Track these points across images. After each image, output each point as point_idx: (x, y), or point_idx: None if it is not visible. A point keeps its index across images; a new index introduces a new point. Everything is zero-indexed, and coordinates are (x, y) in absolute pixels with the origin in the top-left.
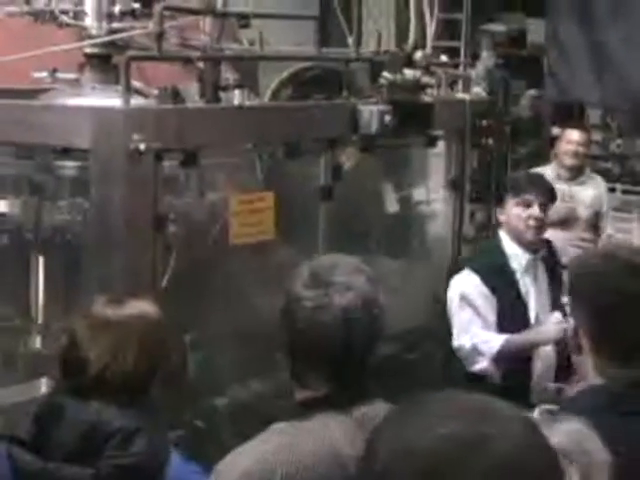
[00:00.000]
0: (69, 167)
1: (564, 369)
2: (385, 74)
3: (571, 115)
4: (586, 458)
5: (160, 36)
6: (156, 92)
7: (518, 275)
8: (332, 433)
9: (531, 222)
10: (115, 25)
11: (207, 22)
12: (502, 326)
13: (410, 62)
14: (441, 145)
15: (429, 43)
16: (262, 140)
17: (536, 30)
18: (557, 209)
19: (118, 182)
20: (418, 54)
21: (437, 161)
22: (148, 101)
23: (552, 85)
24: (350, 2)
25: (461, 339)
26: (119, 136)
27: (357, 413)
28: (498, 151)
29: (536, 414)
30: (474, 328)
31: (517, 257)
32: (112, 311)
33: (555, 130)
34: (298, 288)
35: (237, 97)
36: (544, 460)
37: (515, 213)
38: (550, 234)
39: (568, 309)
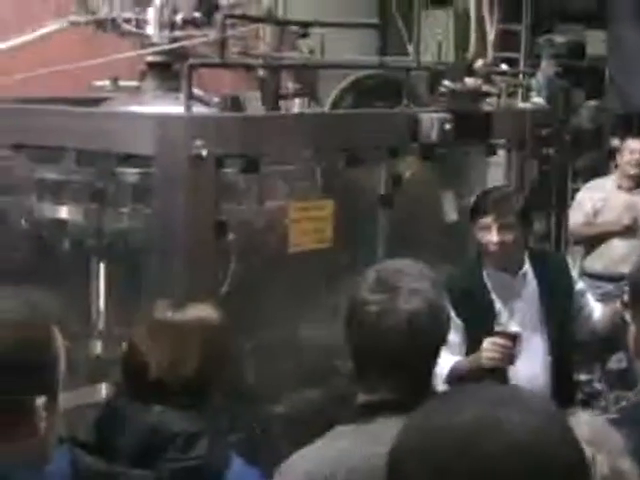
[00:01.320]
0: (130, 174)
1: (563, 391)
2: (446, 82)
3: (631, 126)
4: (612, 446)
5: (222, 43)
6: (217, 100)
7: (494, 295)
8: (394, 438)
9: (491, 247)
10: (176, 34)
11: (267, 31)
12: (474, 348)
13: (470, 71)
14: (501, 154)
15: (490, 52)
16: (322, 148)
17: (594, 42)
18: (620, 219)
19: (180, 188)
20: (479, 63)
21: (497, 170)
22: (209, 109)
23: (614, 95)
24: (410, 10)
25: None
26: (181, 143)
27: None
28: (558, 161)
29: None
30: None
31: (493, 277)
32: (172, 315)
33: (615, 142)
34: (364, 292)
35: (297, 105)
36: (566, 452)
37: (478, 236)
38: (615, 245)
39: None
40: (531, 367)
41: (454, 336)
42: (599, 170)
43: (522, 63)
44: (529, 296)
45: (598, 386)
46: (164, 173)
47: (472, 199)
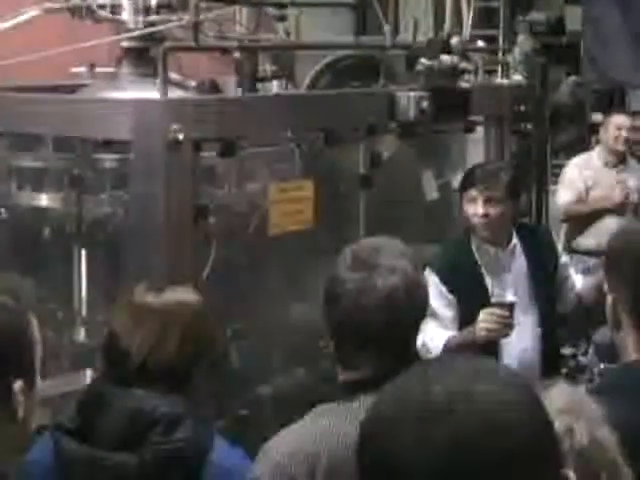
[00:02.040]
0: (109, 160)
1: (551, 364)
2: (422, 60)
3: (612, 102)
4: (591, 415)
5: (196, 26)
6: (194, 84)
7: (483, 269)
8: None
9: (476, 220)
10: (152, 18)
11: (243, 14)
12: (467, 324)
13: (447, 49)
14: (480, 131)
15: (466, 29)
16: (300, 129)
17: (574, 18)
18: (612, 197)
19: (157, 173)
20: (455, 40)
21: (476, 147)
22: (186, 93)
23: (590, 69)
24: None
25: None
26: (158, 127)
27: None
28: (537, 136)
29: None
30: (426, 326)
31: (482, 251)
32: (152, 299)
33: (596, 116)
34: (342, 271)
35: (275, 87)
36: (535, 426)
37: (465, 209)
38: (607, 222)
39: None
40: (521, 340)
41: (446, 311)
42: (580, 145)
43: (501, 40)
44: (518, 270)
45: (583, 360)
46: (141, 158)
47: (455, 176)
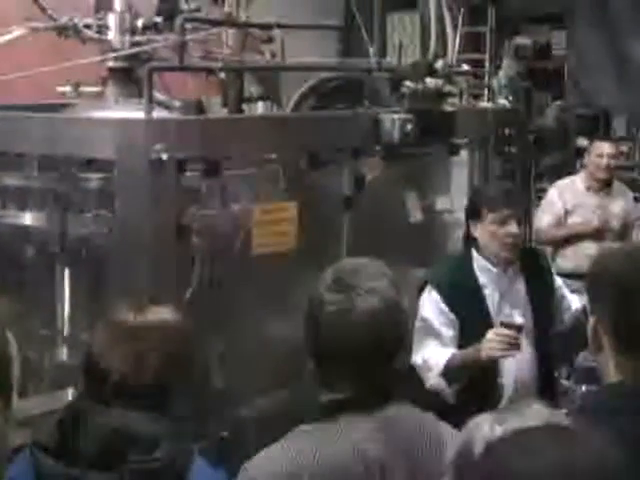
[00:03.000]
0: (93, 179)
1: (547, 387)
2: (407, 83)
3: (597, 126)
4: None
5: (182, 47)
6: (179, 104)
7: (487, 291)
8: (357, 435)
9: (508, 240)
10: (138, 38)
11: (230, 35)
12: (467, 343)
13: (432, 72)
14: (464, 154)
15: (451, 52)
16: (285, 150)
17: (560, 43)
18: (590, 221)
19: (141, 193)
20: (439, 63)
21: (460, 170)
22: (170, 112)
23: (574, 93)
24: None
25: (414, 356)
26: (142, 147)
27: (382, 415)
28: (521, 160)
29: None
30: (427, 344)
31: (486, 272)
32: (133, 318)
33: (581, 141)
34: (322, 292)
35: (260, 108)
36: None
37: (491, 230)
38: (585, 246)
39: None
40: (518, 361)
41: (446, 329)
42: (565, 170)
43: (487, 64)
44: (517, 291)
45: (565, 383)
46: (125, 177)
47: (440, 198)
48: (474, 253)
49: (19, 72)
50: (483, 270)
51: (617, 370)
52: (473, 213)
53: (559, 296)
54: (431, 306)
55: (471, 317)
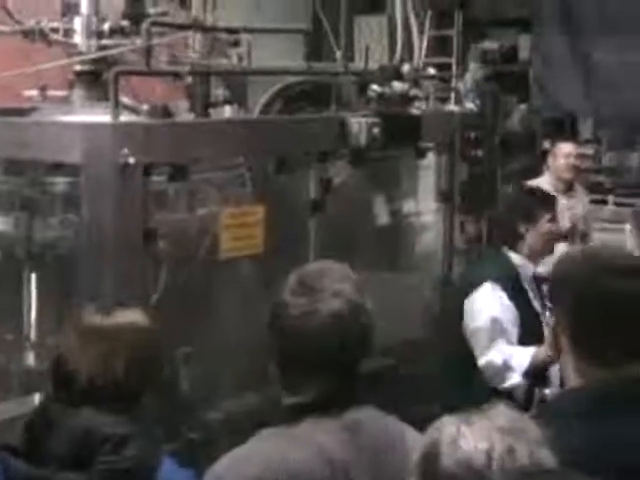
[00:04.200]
0: (60, 183)
1: None
2: (373, 87)
3: (563, 129)
4: (531, 436)
5: (148, 51)
6: (146, 108)
7: (526, 285)
8: (321, 438)
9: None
10: (104, 42)
11: (197, 39)
12: (522, 339)
13: (399, 76)
14: (431, 157)
15: (417, 56)
16: (252, 154)
17: (527, 46)
18: (561, 224)
19: (108, 196)
20: (406, 67)
21: (427, 173)
22: (137, 117)
23: (539, 96)
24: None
25: (489, 355)
26: (108, 151)
27: (346, 418)
28: (488, 163)
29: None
30: (501, 344)
31: (525, 268)
32: (100, 321)
33: (547, 144)
34: (286, 295)
35: (227, 112)
36: None
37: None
38: (558, 249)
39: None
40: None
41: (514, 328)
42: (531, 173)
43: (454, 67)
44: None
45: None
46: (92, 181)
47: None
48: (509, 252)
49: None
50: (522, 268)
51: (577, 374)
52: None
53: None
54: (498, 304)
55: (525, 314)
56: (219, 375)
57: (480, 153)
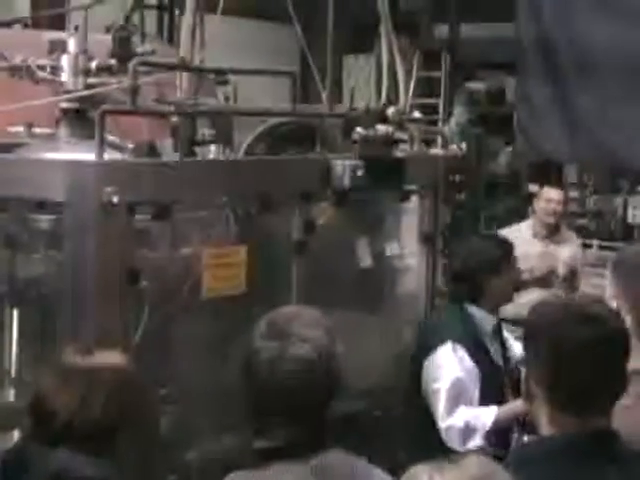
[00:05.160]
0: (43, 220)
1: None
2: (358, 129)
3: (548, 172)
4: None
5: (134, 90)
6: (131, 147)
7: (487, 341)
8: None
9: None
10: (91, 80)
11: (184, 78)
12: (483, 396)
13: (384, 119)
14: (415, 200)
15: (403, 98)
16: (235, 194)
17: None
18: (536, 268)
19: (90, 235)
20: (391, 110)
21: (411, 216)
22: (122, 155)
23: (523, 141)
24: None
25: (449, 420)
26: (91, 189)
27: (314, 462)
28: (471, 207)
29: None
30: (462, 407)
31: (485, 322)
32: (80, 361)
33: (533, 187)
34: (256, 340)
35: (213, 152)
36: None
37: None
38: (527, 294)
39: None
40: None
41: (475, 389)
42: (517, 215)
43: (441, 110)
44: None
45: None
46: (75, 219)
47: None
48: (469, 307)
49: None
50: (482, 322)
51: (550, 422)
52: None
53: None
54: (459, 365)
55: (486, 370)
56: (198, 417)
57: (463, 197)
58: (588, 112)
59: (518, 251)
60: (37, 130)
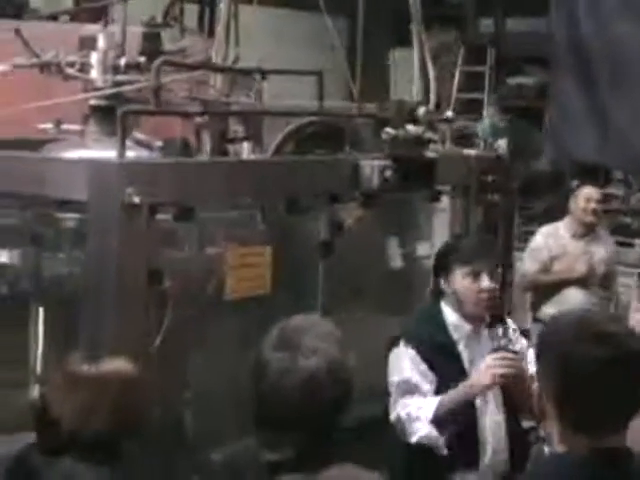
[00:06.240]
0: (69, 219)
1: (518, 437)
2: (387, 129)
3: (593, 169)
4: None
5: (157, 90)
6: (159, 145)
7: (460, 346)
8: None
9: (482, 295)
10: (120, 77)
11: (218, 76)
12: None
13: (414, 119)
14: (446, 201)
15: (432, 97)
16: (261, 195)
17: None
18: (577, 268)
19: (112, 235)
20: (421, 110)
21: (442, 216)
22: (146, 154)
23: (552, 144)
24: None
25: (395, 411)
26: (113, 189)
27: (323, 476)
28: (504, 207)
29: None
30: (411, 400)
31: (458, 328)
32: (85, 368)
33: (575, 184)
34: (266, 350)
35: (245, 150)
36: None
37: (464, 284)
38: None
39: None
40: (493, 413)
41: (426, 385)
42: (558, 213)
43: (485, 104)
44: (485, 347)
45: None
46: (97, 219)
47: (421, 244)
48: (445, 308)
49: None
50: (455, 325)
51: (562, 440)
52: (443, 268)
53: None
54: (408, 364)
55: (447, 375)
56: (221, 417)
57: (496, 197)
58: (619, 116)
59: (556, 251)
60: (66, 127)
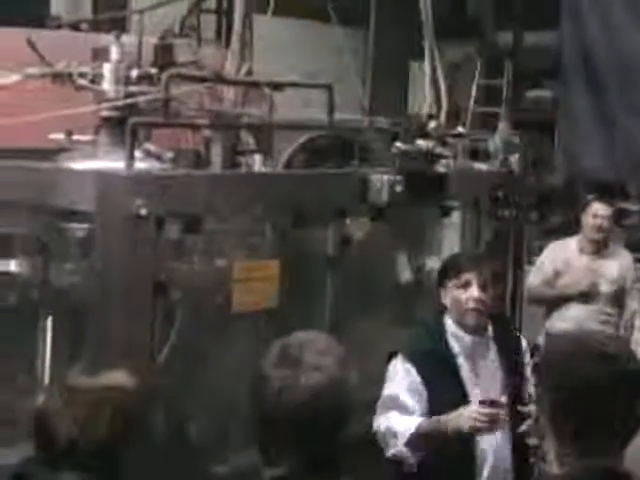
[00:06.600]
0: (77, 229)
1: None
2: (397, 144)
3: (608, 184)
4: None
5: (166, 102)
6: (169, 155)
7: (460, 359)
8: None
9: (470, 304)
10: (131, 89)
11: (230, 88)
12: (439, 414)
13: (424, 134)
14: (456, 215)
15: (444, 112)
16: (269, 207)
17: None
18: (578, 283)
19: (119, 246)
20: (432, 124)
21: (453, 231)
22: (156, 165)
23: (564, 159)
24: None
25: (378, 422)
26: (120, 200)
27: None
28: (515, 222)
29: None
30: (391, 414)
31: (459, 340)
32: (84, 381)
33: (589, 197)
34: (267, 367)
35: (257, 162)
36: None
37: (455, 295)
38: (572, 309)
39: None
40: (495, 436)
41: (414, 403)
42: (572, 228)
43: (503, 117)
44: (492, 360)
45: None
46: (104, 230)
47: (431, 258)
48: (446, 320)
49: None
50: (456, 338)
51: (558, 460)
52: (441, 281)
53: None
54: (401, 377)
55: (444, 388)
56: (227, 429)
57: (506, 212)
58: (629, 125)
59: (561, 265)
60: (78, 137)
